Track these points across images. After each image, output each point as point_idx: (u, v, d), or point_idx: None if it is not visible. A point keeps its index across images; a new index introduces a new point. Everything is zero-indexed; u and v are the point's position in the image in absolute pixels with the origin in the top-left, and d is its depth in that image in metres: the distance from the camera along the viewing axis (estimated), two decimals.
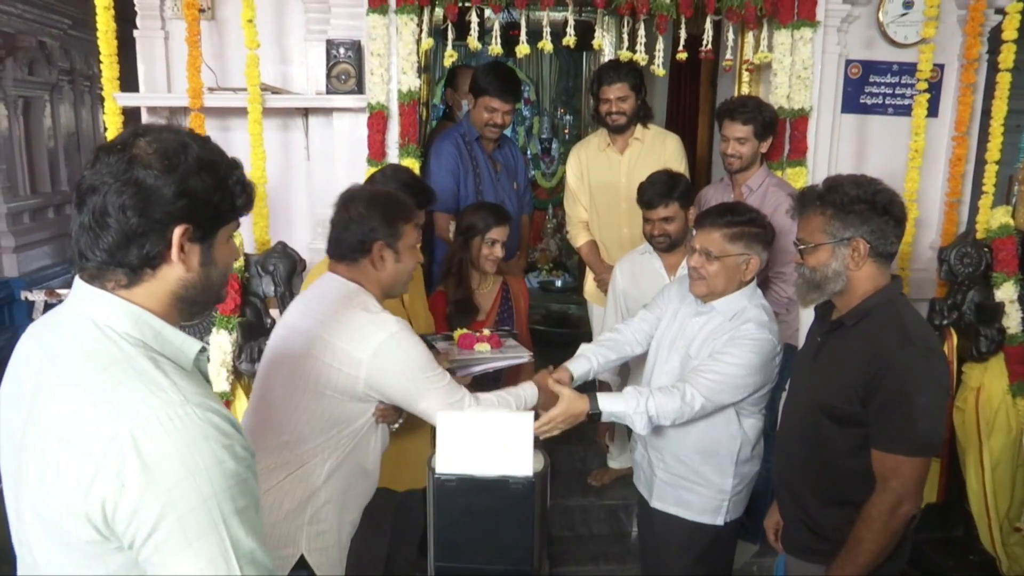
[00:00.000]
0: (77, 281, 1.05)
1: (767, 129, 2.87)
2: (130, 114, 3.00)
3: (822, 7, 3.14)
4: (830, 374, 1.77)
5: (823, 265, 1.74)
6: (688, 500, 2.16)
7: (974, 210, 3.26)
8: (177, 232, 1.01)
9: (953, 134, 3.31)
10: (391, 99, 3.07)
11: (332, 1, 3.07)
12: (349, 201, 1.83)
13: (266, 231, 2.94)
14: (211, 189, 1.04)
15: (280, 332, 1.85)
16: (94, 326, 1.01)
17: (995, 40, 3.13)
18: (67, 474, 0.94)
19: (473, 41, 2.99)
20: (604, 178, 3.19)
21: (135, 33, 3.16)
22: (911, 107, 3.22)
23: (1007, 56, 3.02)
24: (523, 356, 2.19)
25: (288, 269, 2.81)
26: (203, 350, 1.09)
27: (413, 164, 3.00)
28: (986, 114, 3.23)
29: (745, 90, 3.44)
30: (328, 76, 3.10)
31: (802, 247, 1.78)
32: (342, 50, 3.08)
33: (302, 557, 1.70)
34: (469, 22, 2.99)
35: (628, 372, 2.89)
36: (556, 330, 5.08)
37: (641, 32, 3.16)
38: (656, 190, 2.59)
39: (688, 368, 2.08)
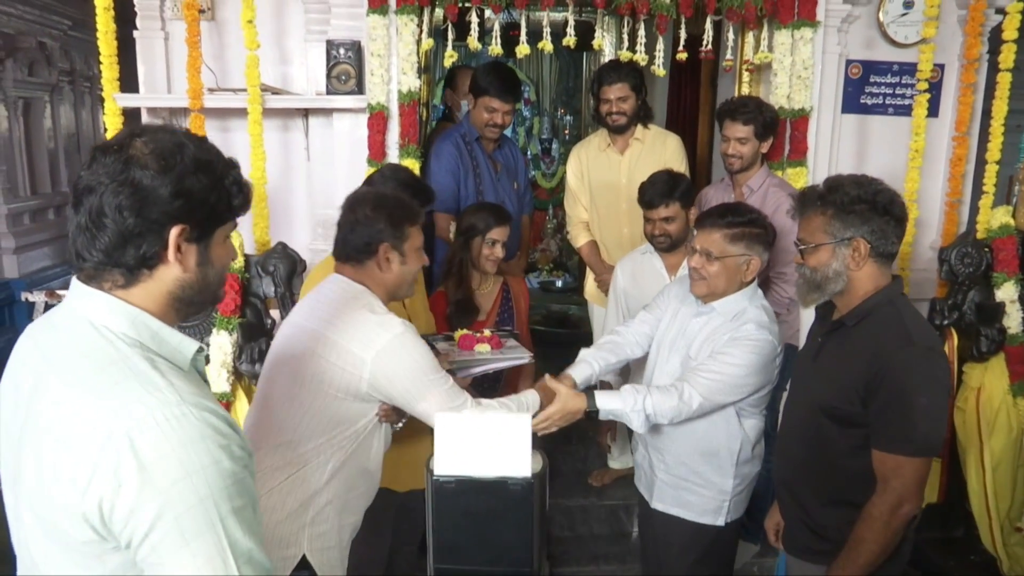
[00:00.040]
0: (74, 282, 1.05)
1: (768, 129, 2.86)
2: (130, 115, 3.00)
3: (822, 7, 3.14)
4: (831, 374, 1.77)
5: (824, 265, 1.74)
6: (689, 501, 2.16)
7: (974, 210, 3.26)
8: (174, 232, 1.01)
9: (953, 134, 3.31)
10: (391, 99, 3.07)
11: (332, 1, 3.07)
12: (355, 203, 1.84)
13: (266, 232, 2.94)
14: (207, 189, 1.04)
15: (285, 331, 1.85)
16: (91, 326, 1.01)
17: (995, 40, 3.13)
18: (64, 474, 0.94)
19: (473, 41, 2.99)
20: (604, 178, 3.18)
21: (135, 34, 3.16)
22: (911, 107, 3.22)
23: (1007, 56, 3.02)
24: (523, 357, 2.18)
25: (288, 270, 2.81)
26: (200, 350, 1.10)
27: (413, 164, 3.00)
28: (986, 114, 3.23)
29: (745, 90, 3.44)
30: (328, 76, 3.10)
31: (803, 247, 1.78)
32: (342, 50, 3.08)
33: (304, 558, 1.70)
34: (469, 22, 2.99)
35: (629, 372, 2.89)
36: (556, 330, 5.08)
37: (641, 32, 3.16)
38: (657, 190, 2.58)
39: (688, 369, 2.08)
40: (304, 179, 3.29)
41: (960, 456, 3.13)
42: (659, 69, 3.14)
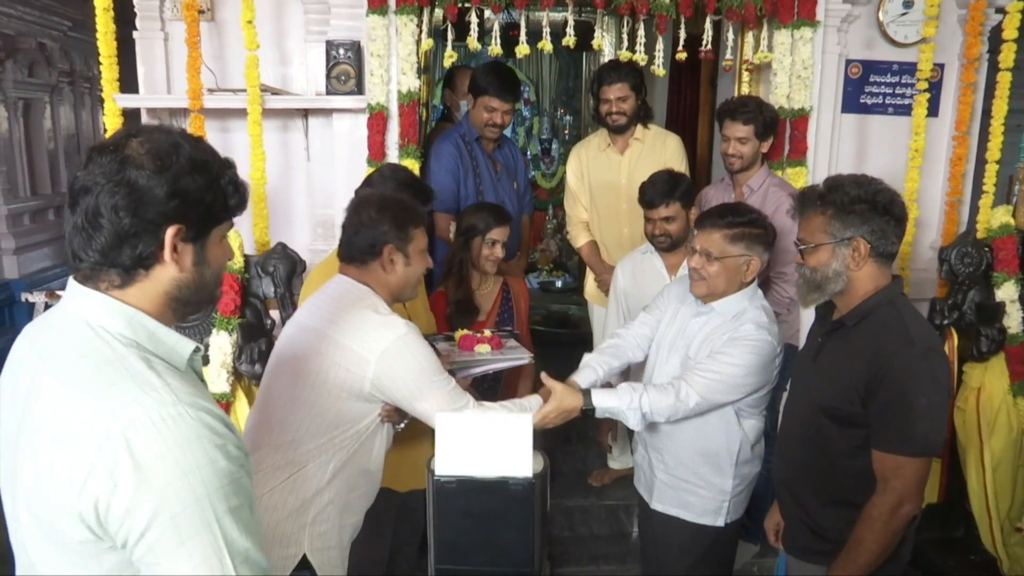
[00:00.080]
0: (71, 282, 1.05)
1: (768, 129, 2.86)
2: (130, 115, 3.00)
3: (822, 7, 3.14)
4: (831, 374, 1.77)
5: (824, 265, 1.74)
6: (688, 502, 2.16)
7: (974, 210, 3.25)
8: (170, 232, 1.02)
9: (953, 134, 3.31)
10: (391, 100, 3.07)
11: (332, 2, 3.07)
12: (360, 205, 1.86)
13: (266, 232, 2.94)
14: (203, 189, 1.04)
15: (289, 331, 1.86)
16: (87, 327, 1.01)
17: (995, 39, 3.12)
18: (60, 474, 0.94)
19: (473, 42, 2.99)
20: (604, 178, 3.18)
21: (135, 35, 3.16)
22: (911, 107, 3.21)
23: (1007, 55, 3.02)
24: (524, 358, 2.18)
25: (288, 270, 2.81)
26: (197, 350, 1.10)
27: (413, 165, 3.00)
28: (986, 114, 3.23)
29: (745, 90, 3.44)
30: (328, 77, 3.10)
31: (803, 247, 1.78)
32: (342, 51, 3.08)
33: (304, 557, 1.71)
34: (469, 23, 2.99)
35: (629, 372, 2.89)
36: (556, 330, 5.08)
37: (641, 32, 3.16)
38: (657, 190, 2.58)
39: (687, 368, 2.08)
40: (304, 179, 3.29)
41: (960, 456, 3.13)
42: (659, 69, 3.14)
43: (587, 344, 3.52)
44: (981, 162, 3.23)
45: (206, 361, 2.71)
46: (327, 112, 3.19)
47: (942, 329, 3.10)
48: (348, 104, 3.10)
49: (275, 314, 2.86)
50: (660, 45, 3.09)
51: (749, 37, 3.24)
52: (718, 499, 2.14)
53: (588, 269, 3.38)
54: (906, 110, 3.35)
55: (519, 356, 2.18)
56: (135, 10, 3.14)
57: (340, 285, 1.84)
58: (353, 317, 1.73)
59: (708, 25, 3.09)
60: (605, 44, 3.38)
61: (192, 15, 2.80)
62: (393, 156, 3.08)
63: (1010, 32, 2.98)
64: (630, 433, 2.86)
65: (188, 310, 1.12)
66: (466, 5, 3.03)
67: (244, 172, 2.84)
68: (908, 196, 3.12)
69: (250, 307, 2.81)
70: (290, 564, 1.69)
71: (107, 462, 0.92)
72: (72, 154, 5.52)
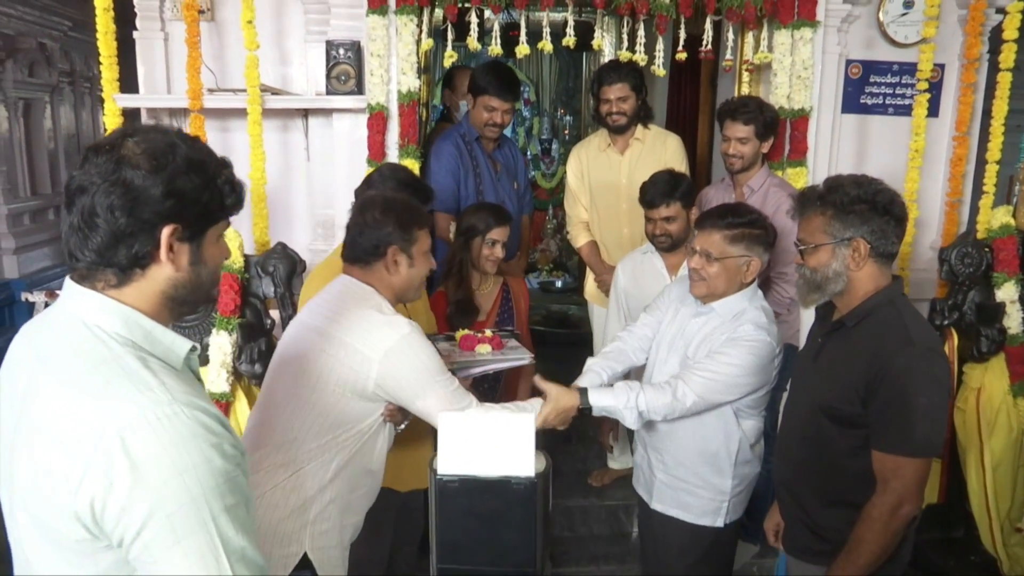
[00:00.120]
0: (67, 281, 1.05)
1: (768, 129, 2.86)
2: (130, 115, 3.00)
3: (822, 7, 3.14)
4: (831, 375, 1.77)
5: (824, 266, 1.74)
6: (687, 502, 2.16)
7: (975, 210, 3.25)
8: (166, 232, 1.02)
9: (954, 134, 3.31)
10: (391, 100, 3.07)
11: (332, 2, 3.07)
12: (365, 206, 1.87)
13: (266, 232, 2.94)
14: (199, 189, 1.04)
15: (292, 330, 1.87)
16: (84, 326, 1.02)
17: (996, 40, 3.12)
18: (56, 473, 0.95)
19: (473, 42, 2.99)
20: (604, 178, 3.18)
21: (135, 35, 3.16)
22: (911, 107, 3.21)
23: (1008, 56, 3.02)
24: (524, 358, 2.18)
25: (288, 270, 2.81)
26: (193, 349, 1.10)
27: (413, 165, 3.00)
28: (987, 114, 3.22)
29: (745, 90, 3.44)
30: (328, 77, 3.10)
31: (802, 247, 1.78)
32: (342, 51, 3.08)
33: (305, 556, 1.71)
34: (469, 23, 2.99)
35: (631, 372, 2.89)
36: (556, 331, 5.08)
37: (641, 32, 3.16)
38: (658, 189, 2.58)
39: (685, 367, 2.08)
40: (304, 179, 3.29)
41: (960, 456, 3.13)
42: (659, 69, 3.14)
43: (587, 344, 3.52)
44: (981, 162, 3.23)
45: (205, 361, 2.71)
46: (327, 112, 3.19)
47: (942, 329, 3.10)
48: (348, 104, 3.10)
49: (275, 314, 2.86)
50: (660, 45, 3.09)
51: (749, 37, 3.24)
52: (717, 499, 2.13)
53: (588, 269, 3.38)
54: (906, 110, 3.35)
55: (520, 356, 2.18)
56: (135, 10, 3.15)
57: (344, 285, 1.85)
58: (357, 316, 1.74)
59: (708, 25, 3.09)
60: (605, 44, 3.38)
61: (192, 15, 2.80)
62: (393, 156, 3.08)
63: (1010, 32, 2.98)
64: (630, 433, 2.86)
65: (185, 309, 1.12)
66: (466, 5, 3.03)
67: (244, 172, 2.88)
68: (908, 196, 3.12)
69: (250, 307, 2.81)
70: (291, 562, 1.69)
71: (103, 461, 0.92)
72: (72, 154, 5.52)
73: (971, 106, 3.25)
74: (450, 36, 2.99)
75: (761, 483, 2.28)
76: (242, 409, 2.79)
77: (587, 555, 3.15)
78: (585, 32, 3.24)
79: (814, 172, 3.25)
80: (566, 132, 7.25)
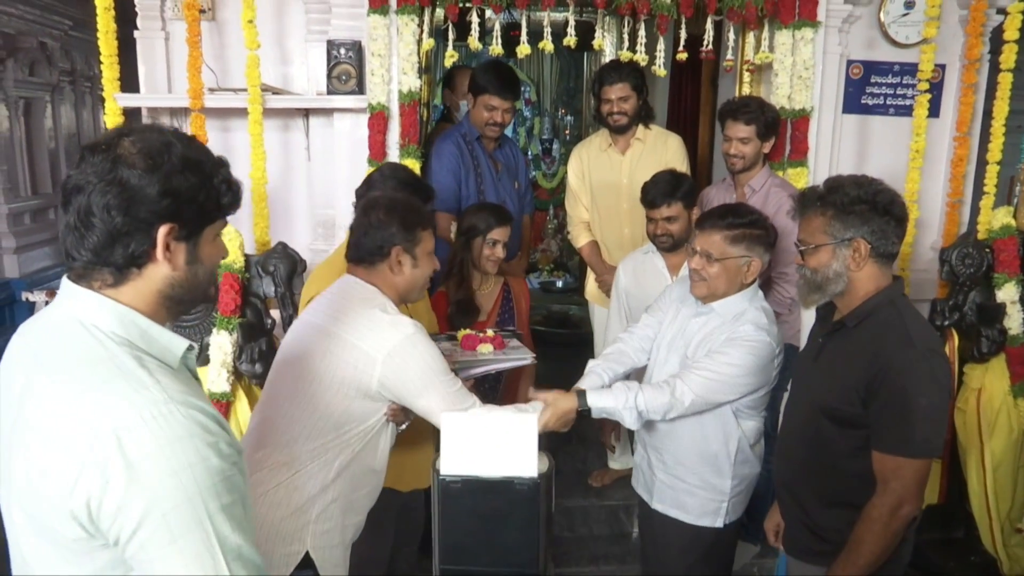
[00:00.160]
0: (64, 281, 1.06)
1: (770, 129, 2.86)
2: (131, 115, 3.00)
3: (823, 7, 3.14)
4: (831, 375, 1.77)
5: (824, 266, 1.74)
6: (686, 503, 2.16)
7: (975, 211, 3.25)
8: (162, 231, 1.02)
9: (954, 134, 3.31)
10: (392, 99, 3.07)
11: (333, 1, 3.07)
12: (369, 207, 1.87)
13: (266, 232, 2.94)
14: (196, 188, 1.04)
15: (296, 329, 1.87)
16: (80, 325, 1.02)
17: (996, 40, 3.12)
18: (52, 472, 0.95)
19: (474, 41, 2.99)
20: (606, 178, 3.18)
21: (136, 34, 3.16)
22: (912, 107, 3.21)
23: (1008, 56, 3.02)
24: (526, 358, 2.18)
25: (288, 270, 2.81)
26: (191, 348, 1.10)
27: (413, 165, 3.00)
28: (987, 115, 3.22)
29: (746, 90, 3.44)
30: (329, 76, 3.09)
31: (803, 248, 1.78)
32: (343, 50, 3.08)
33: (307, 555, 1.71)
34: (470, 22, 2.99)
35: (631, 373, 2.89)
36: (557, 331, 5.09)
37: (642, 32, 3.16)
38: (660, 189, 2.59)
39: (685, 367, 2.08)
40: (304, 179, 3.29)
41: (960, 457, 3.13)
42: (660, 69, 3.14)
43: (588, 344, 3.52)
44: (982, 163, 3.22)
45: (206, 361, 2.71)
46: (328, 112, 3.19)
47: (943, 330, 3.10)
48: (349, 104, 3.10)
49: (275, 314, 2.86)
50: (661, 45, 3.09)
51: (750, 37, 3.24)
52: (717, 500, 2.13)
53: (589, 269, 3.38)
54: (907, 111, 3.35)
55: (521, 356, 2.18)
56: (136, 9, 3.14)
57: (348, 285, 1.86)
58: (361, 316, 1.75)
59: (709, 25, 3.09)
60: (606, 44, 3.38)
61: (193, 14, 2.80)
62: (394, 156, 3.08)
63: (1011, 33, 2.98)
64: (631, 433, 2.86)
65: (182, 308, 1.12)
66: (467, 5, 3.03)
67: (245, 172, 2.88)
68: (909, 197, 3.12)
69: (250, 307, 2.81)
70: (293, 561, 1.69)
71: (98, 460, 0.93)
72: (73, 153, 5.51)
73: (972, 107, 3.25)
74: (451, 36, 2.99)
75: (761, 483, 2.28)
76: (242, 409, 2.79)
77: (587, 555, 3.15)
78: (586, 32, 3.24)
79: (815, 172, 3.25)
80: (567, 132, 7.25)
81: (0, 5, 4.50)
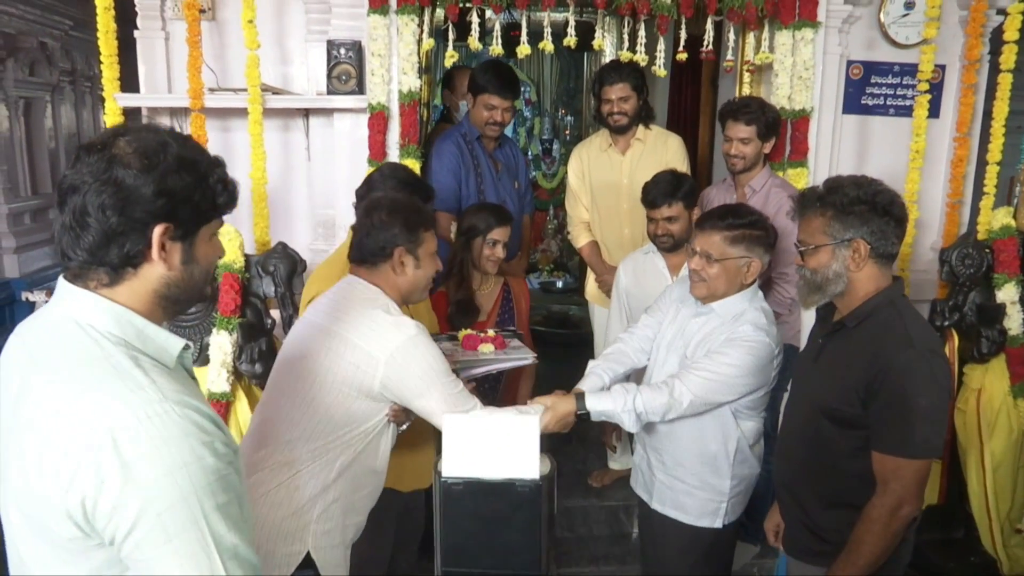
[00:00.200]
0: (60, 280, 1.06)
1: (770, 129, 2.86)
2: (131, 114, 3.00)
3: (823, 8, 3.14)
4: (831, 376, 1.77)
5: (824, 267, 1.73)
6: (685, 504, 2.16)
7: (975, 211, 3.25)
8: (157, 231, 1.02)
9: (954, 135, 3.31)
10: (392, 100, 3.07)
11: (333, 2, 3.07)
12: (372, 208, 1.88)
13: (266, 232, 2.94)
14: (191, 188, 1.04)
15: (299, 329, 1.87)
16: (76, 325, 1.02)
17: (996, 41, 3.12)
18: (48, 472, 0.95)
19: (474, 42, 2.99)
20: (606, 178, 3.18)
21: (136, 34, 3.16)
22: (912, 108, 3.22)
23: (1008, 57, 3.02)
24: (527, 358, 2.18)
25: (288, 270, 2.81)
26: (187, 347, 1.10)
27: (413, 165, 3.00)
28: (987, 115, 3.22)
29: (746, 91, 3.44)
30: (329, 76, 3.10)
31: (803, 249, 1.78)
32: (343, 50, 3.08)
33: (308, 555, 1.71)
34: (470, 23, 2.99)
35: (631, 374, 2.89)
36: (557, 331, 5.09)
37: (642, 33, 3.16)
38: (660, 189, 2.59)
39: (683, 367, 2.08)
40: (304, 179, 3.29)
41: (960, 457, 3.13)
42: (660, 69, 3.14)
43: (588, 344, 3.52)
44: (982, 163, 3.22)
45: (206, 361, 2.71)
46: (328, 112, 3.19)
47: (943, 330, 3.10)
48: (349, 104, 3.10)
49: (275, 314, 2.86)
50: (661, 45, 3.09)
51: (750, 38, 3.24)
52: (716, 500, 2.13)
53: (589, 269, 3.38)
54: (907, 111, 3.35)
55: (523, 356, 2.18)
56: (136, 9, 3.15)
57: (351, 285, 1.86)
58: (364, 317, 1.75)
59: (709, 26, 3.09)
60: (606, 44, 3.38)
61: (193, 14, 2.80)
62: (394, 156, 3.08)
63: (1011, 33, 2.98)
64: (631, 433, 2.86)
65: (178, 308, 1.12)
66: (467, 5, 3.03)
67: (245, 172, 2.88)
68: (909, 197, 3.12)
69: (250, 306, 2.81)
70: (294, 561, 1.70)
71: (93, 460, 0.93)
72: (73, 153, 5.51)
73: (972, 107, 3.25)
74: (451, 36, 2.99)
75: (761, 483, 2.28)
76: (242, 409, 2.79)
77: (587, 556, 3.15)
78: (586, 32, 3.24)
79: (815, 173, 3.25)
80: (567, 132, 7.25)
81: (0, 5, 4.50)
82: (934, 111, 3.29)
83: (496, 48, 3.02)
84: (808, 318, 2.58)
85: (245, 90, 2.89)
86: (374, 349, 1.71)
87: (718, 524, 2.15)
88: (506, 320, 2.71)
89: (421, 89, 3.08)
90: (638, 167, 3.08)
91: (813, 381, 1.84)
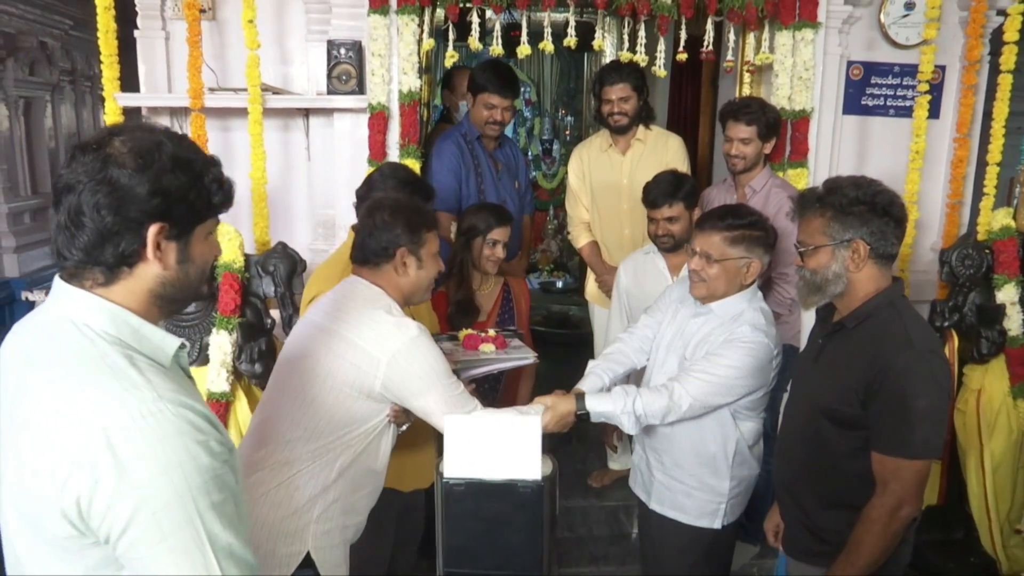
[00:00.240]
0: (56, 280, 1.06)
1: (771, 130, 2.86)
2: (131, 114, 3.00)
3: (823, 8, 3.14)
4: (831, 376, 1.77)
5: (823, 267, 1.73)
6: (684, 504, 2.16)
7: (975, 212, 3.25)
8: (152, 230, 1.02)
9: (954, 136, 3.31)
10: (392, 100, 3.07)
11: (333, 1, 3.07)
12: (374, 209, 1.88)
13: (266, 232, 2.94)
14: (186, 187, 1.04)
15: (300, 329, 1.87)
16: (72, 325, 1.02)
17: (996, 41, 3.12)
18: (43, 471, 0.95)
19: (474, 42, 2.99)
20: (606, 179, 3.18)
21: (136, 33, 3.16)
22: (912, 108, 3.22)
23: (1008, 58, 3.02)
24: (528, 357, 2.18)
25: (288, 269, 2.81)
26: (182, 347, 1.10)
27: (413, 165, 3.00)
28: (987, 116, 3.23)
29: (746, 91, 3.44)
30: (329, 76, 3.10)
31: (802, 249, 1.78)
32: (343, 50, 3.08)
33: (308, 555, 1.72)
34: (470, 23, 2.99)
35: (631, 375, 2.89)
36: (557, 331, 5.09)
37: (642, 33, 3.17)
38: (661, 190, 2.59)
39: (683, 369, 2.08)
40: (304, 179, 3.29)
41: (960, 458, 3.13)
42: (660, 70, 3.14)
43: (588, 345, 3.52)
44: (982, 164, 3.23)
45: (206, 360, 2.71)
46: (328, 112, 3.19)
47: (942, 331, 3.10)
48: (349, 104, 3.10)
49: (275, 313, 2.86)
50: (661, 46, 3.09)
51: (750, 38, 3.24)
52: (715, 501, 2.13)
53: (589, 270, 3.38)
54: (907, 112, 3.35)
55: (523, 356, 2.18)
56: (136, 9, 3.15)
57: (353, 286, 1.86)
58: (366, 317, 1.75)
59: (709, 26, 3.09)
60: (606, 45, 3.38)
61: (193, 14, 2.80)
62: (394, 156, 3.08)
63: (1011, 34, 2.98)
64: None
65: (174, 307, 1.13)
66: (467, 5, 3.03)
67: (245, 171, 2.88)
68: (909, 198, 3.12)
69: (250, 306, 2.81)
70: (294, 561, 1.70)
71: (88, 459, 0.93)
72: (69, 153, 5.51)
73: (972, 108, 3.25)
74: (451, 36, 2.99)
75: (761, 484, 2.28)
76: (242, 409, 2.79)
77: (587, 556, 3.15)
78: (586, 33, 3.24)
79: (815, 173, 3.25)
80: (567, 132, 7.26)
81: (0, 5, 4.50)
82: (934, 112, 3.30)
83: (496, 48, 3.02)
84: (808, 318, 2.58)
85: (245, 90, 2.89)
86: (375, 350, 1.71)
87: (717, 525, 2.15)
88: (506, 320, 2.71)
89: (421, 89, 3.08)
90: (638, 167, 3.09)
91: (813, 381, 1.84)
